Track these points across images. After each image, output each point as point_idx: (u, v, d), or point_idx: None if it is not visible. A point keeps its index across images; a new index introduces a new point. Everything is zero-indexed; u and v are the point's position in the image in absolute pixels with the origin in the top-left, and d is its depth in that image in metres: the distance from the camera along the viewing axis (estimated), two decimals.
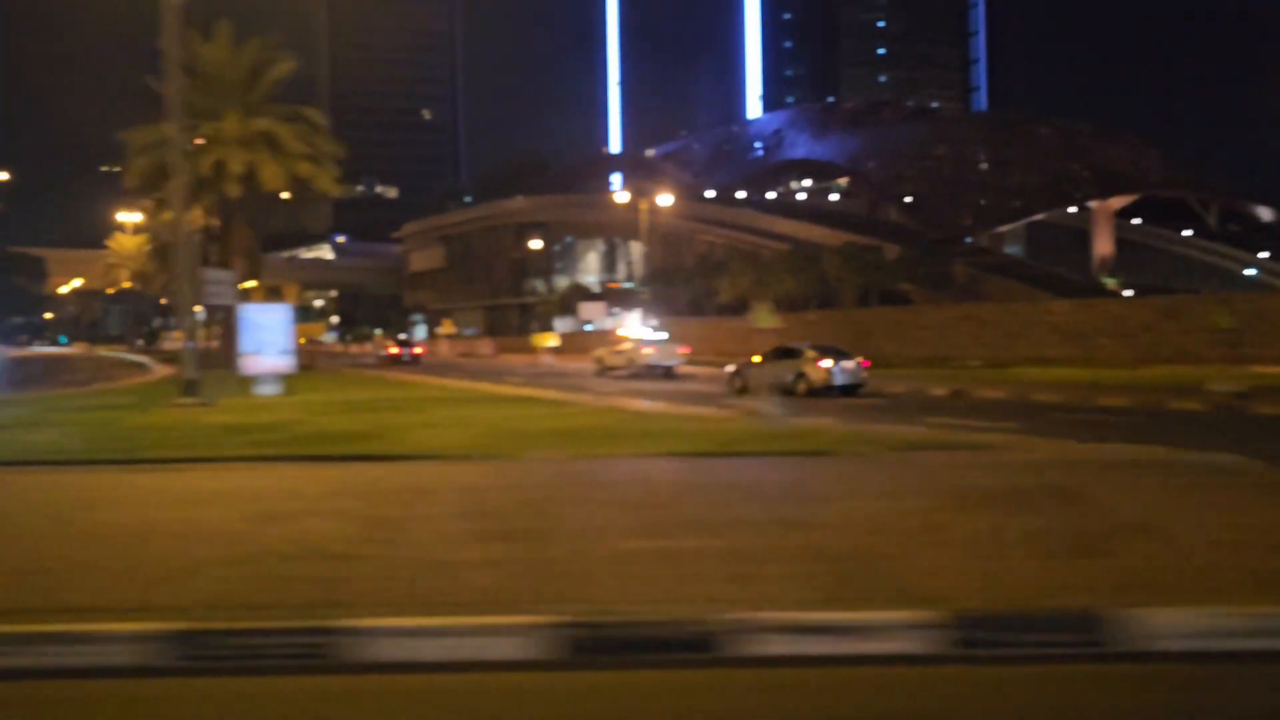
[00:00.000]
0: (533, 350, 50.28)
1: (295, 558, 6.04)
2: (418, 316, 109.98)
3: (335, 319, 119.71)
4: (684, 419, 15.51)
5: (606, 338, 47.03)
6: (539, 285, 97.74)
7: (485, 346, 60.33)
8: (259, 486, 8.67)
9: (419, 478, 9.20)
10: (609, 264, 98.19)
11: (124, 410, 19.25)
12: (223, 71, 33.44)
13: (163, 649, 4.76)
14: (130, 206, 61.68)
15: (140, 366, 49.75)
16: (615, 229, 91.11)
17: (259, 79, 34.05)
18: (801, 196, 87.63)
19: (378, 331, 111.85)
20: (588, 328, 57.05)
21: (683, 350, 35.37)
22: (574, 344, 50.99)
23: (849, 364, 23.94)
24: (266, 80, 34.12)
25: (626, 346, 35.92)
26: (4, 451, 11.70)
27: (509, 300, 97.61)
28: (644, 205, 57.60)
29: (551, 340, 47.85)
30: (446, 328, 60.99)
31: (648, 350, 34.91)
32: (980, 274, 56.96)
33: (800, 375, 23.68)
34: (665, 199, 57.04)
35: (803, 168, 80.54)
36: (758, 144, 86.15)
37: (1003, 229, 67.03)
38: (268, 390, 23.21)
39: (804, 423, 15.07)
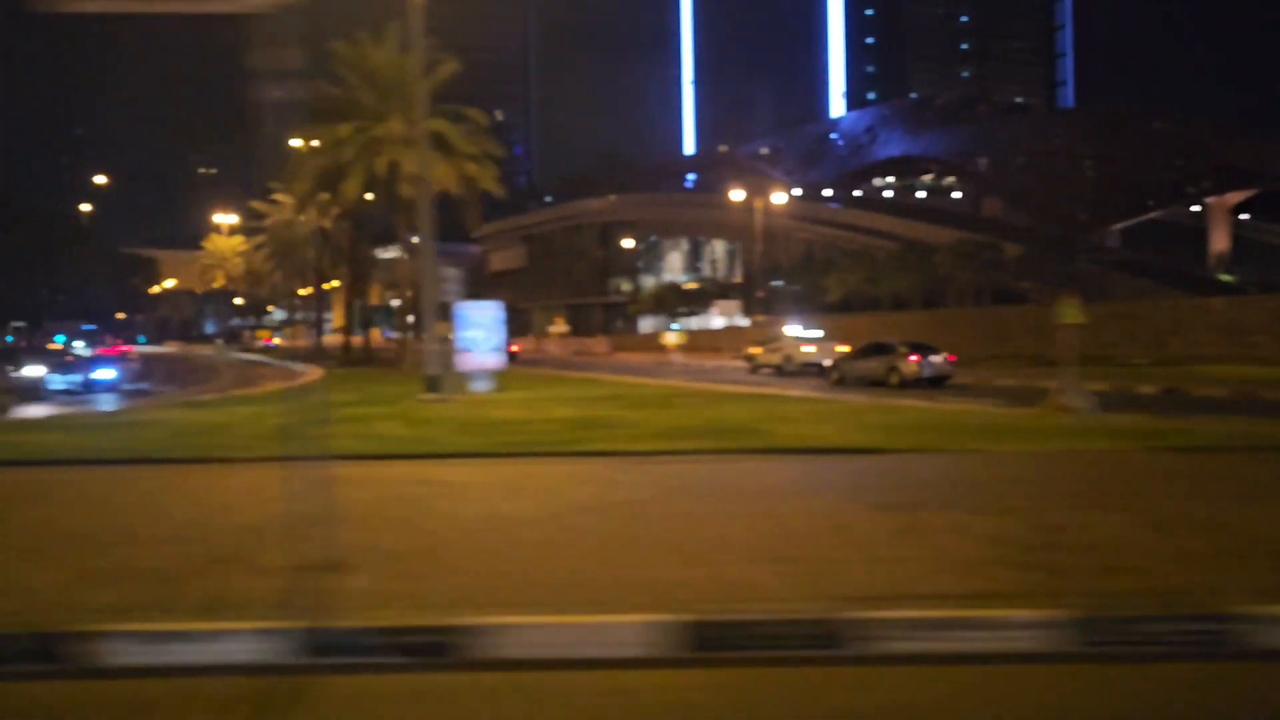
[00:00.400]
0: (657, 348, 50.39)
1: (1032, 548, 6.07)
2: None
3: (410, 318, 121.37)
4: (996, 415, 15.40)
5: (749, 335, 47.13)
6: (622, 284, 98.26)
7: (599, 345, 60.55)
8: (808, 481, 8.75)
9: (917, 471, 9.24)
10: (693, 263, 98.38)
11: (387, 405, 19.64)
12: (391, 74, 33.87)
13: (1063, 636, 4.80)
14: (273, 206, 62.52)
15: (267, 366, 50.54)
16: (702, 228, 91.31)
17: (425, 80, 34.32)
18: (889, 194, 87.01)
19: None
20: (711, 324, 56.92)
21: (841, 348, 35.10)
22: (699, 342, 51.01)
23: (936, 358, 26.14)
24: (432, 82, 34.40)
25: (784, 344, 35.82)
26: (426, 446, 11.82)
27: (592, 299, 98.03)
28: (758, 204, 57.56)
29: (679, 338, 47.86)
30: (559, 326, 61.46)
31: (808, 349, 34.78)
32: (1103, 271, 56.02)
33: (893, 368, 25.92)
34: (779, 197, 56.92)
35: (902, 165, 79.85)
36: (850, 141, 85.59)
37: (1117, 226, 65.97)
38: (482, 387, 23.51)
39: (1118, 419, 14.91)
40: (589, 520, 7.09)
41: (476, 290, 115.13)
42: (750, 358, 37.64)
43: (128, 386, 33.36)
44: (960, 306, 55.04)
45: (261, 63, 5.96)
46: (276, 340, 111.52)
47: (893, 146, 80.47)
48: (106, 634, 4.82)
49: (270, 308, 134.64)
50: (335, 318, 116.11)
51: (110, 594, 5.45)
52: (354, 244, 59.77)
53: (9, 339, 55.31)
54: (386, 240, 70.07)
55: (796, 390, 23.96)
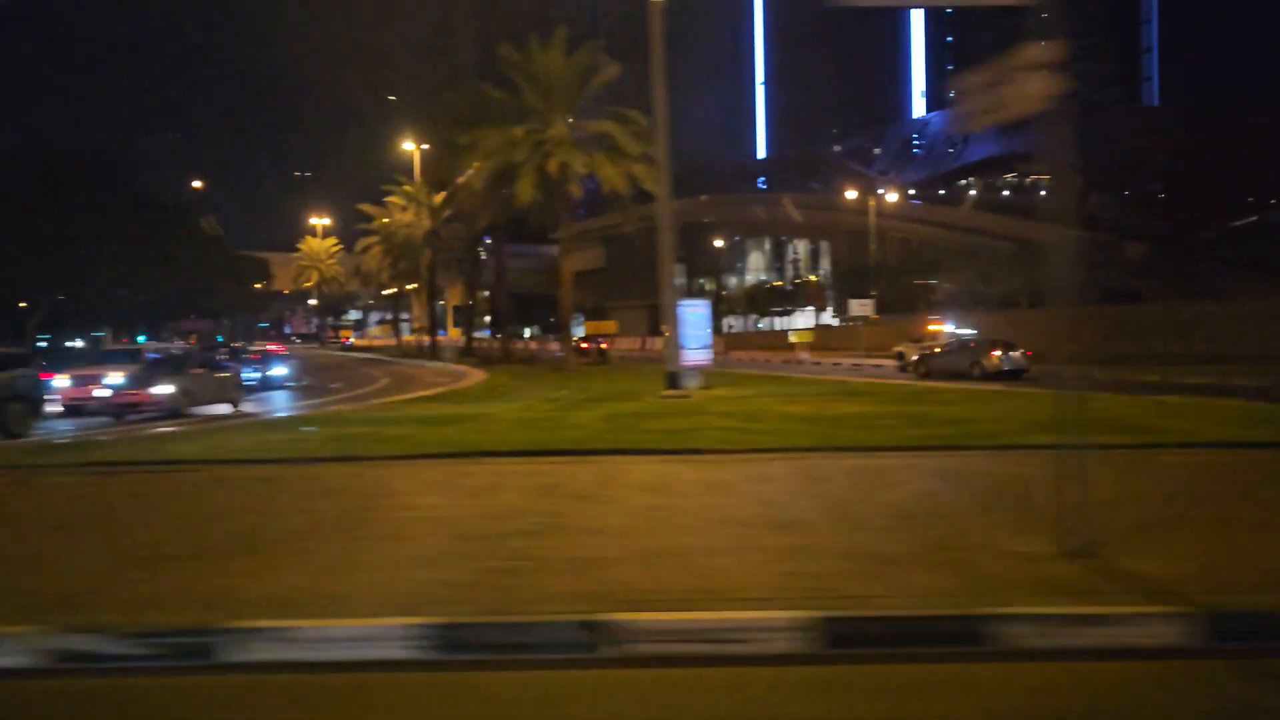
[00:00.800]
0: (776, 346, 50.45)
1: None
2: (576, 316, 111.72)
3: (487, 318, 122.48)
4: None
5: (861, 334, 46.99)
6: (705, 283, 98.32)
7: (714, 344, 60.49)
8: None
9: None
10: (773, 263, 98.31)
11: (636, 400, 19.91)
12: (556, 76, 34.20)
13: None
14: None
15: (395, 364, 51.12)
16: (785, 228, 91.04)
17: (587, 83, 34.72)
18: (973, 193, 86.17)
19: (528, 330, 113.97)
20: (794, 323, 56.81)
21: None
22: (824, 340, 50.96)
23: (1015, 353, 29.07)
24: (594, 84, 34.77)
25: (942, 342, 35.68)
26: (811, 439, 11.89)
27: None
28: (871, 203, 57.41)
29: (805, 336, 47.83)
30: (609, 327, 62.36)
31: (973, 347, 34.61)
32: (1221, 270, 55.02)
33: (975, 362, 29.01)
34: (891, 196, 56.79)
35: (999, 164, 79.08)
36: (943, 140, 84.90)
37: (1236, 223, 64.79)
38: (692, 384, 23.70)
39: None
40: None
41: (554, 291, 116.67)
42: (900, 355, 37.50)
43: (294, 383, 34.03)
44: (1075, 306, 54.14)
45: (1033, 56, 6.06)
46: (354, 340, 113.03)
47: (987, 145, 79.67)
48: (1008, 617, 4.92)
49: (349, 309, 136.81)
50: (415, 318, 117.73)
51: (885, 579, 5.55)
52: (468, 245, 60.61)
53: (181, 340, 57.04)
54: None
55: (1002, 387, 23.88)
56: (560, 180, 33.12)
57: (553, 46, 34.14)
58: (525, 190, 32.78)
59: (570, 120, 34.49)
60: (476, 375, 35.15)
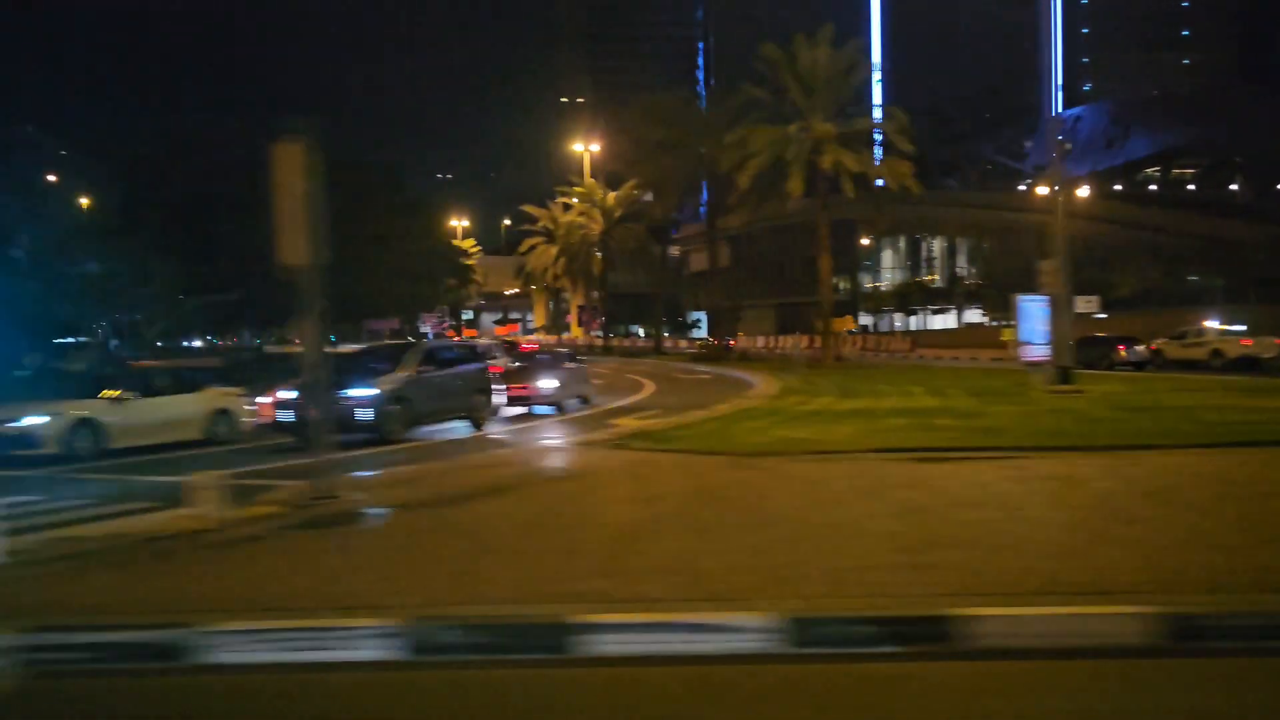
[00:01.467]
0: (978, 344, 49.95)
1: None
2: (697, 315, 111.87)
3: (601, 318, 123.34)
4: None
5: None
6: (840, 281, 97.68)
7: (897, 342, 60.28)
8: None
9: None
10: (905, 260, 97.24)
11: (1024, 400, 19.85)
12: (821, 74, 34.21)
13: None
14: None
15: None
16: (925, 226, 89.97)
17: (847, 80, 34.69)
18: (1118, 187, 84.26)
19: (638, 329, 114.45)
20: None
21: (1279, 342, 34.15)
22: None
23: (1140, 347, 34.57)
24: (853, 82, 34.73)
25: (1207, 338, 35.15)
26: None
27: (803, 298, 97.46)
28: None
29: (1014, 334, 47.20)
30: (848, 324, 62.07)
31: (1245, 342, 33.96)
32: None
33: (1104, 356, 33.27)
34: (1083, 190, 55.79)
35: (1163, 159, 77.20)
36: (1098, 135, 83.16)
37: None
38: (1040, 379, 23.58)
39: None
40: None
41: (676, 291, 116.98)
42: (1156, 352, 36.82)
43: None
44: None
45: None
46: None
47: (1149, 141, 77.85)
48: None
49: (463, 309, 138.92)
50: (536, 318, 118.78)
51: None
52: (643, 246, 61.09)
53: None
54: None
55: None
56: (832, 176, 33.12)
57: (819, 45, 34.16)
58: (796, 186, 32.88)
59: (828, 117, 34.45)
60: (755, 376, 34.57)
